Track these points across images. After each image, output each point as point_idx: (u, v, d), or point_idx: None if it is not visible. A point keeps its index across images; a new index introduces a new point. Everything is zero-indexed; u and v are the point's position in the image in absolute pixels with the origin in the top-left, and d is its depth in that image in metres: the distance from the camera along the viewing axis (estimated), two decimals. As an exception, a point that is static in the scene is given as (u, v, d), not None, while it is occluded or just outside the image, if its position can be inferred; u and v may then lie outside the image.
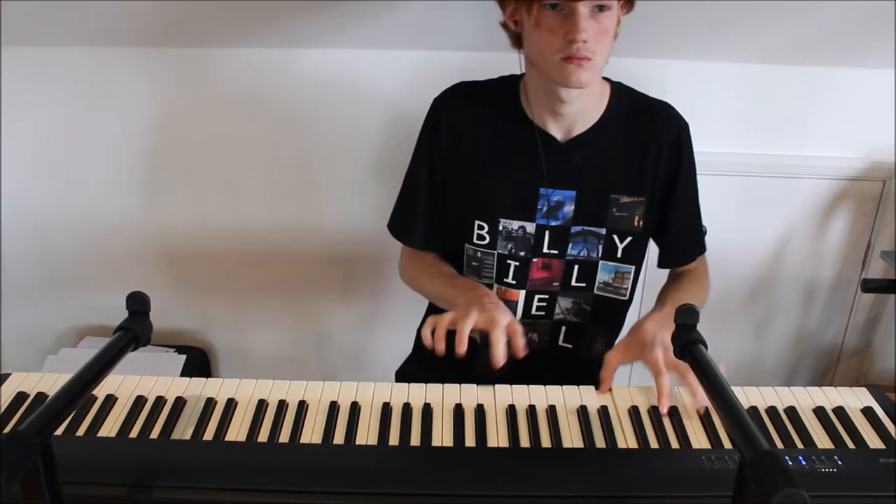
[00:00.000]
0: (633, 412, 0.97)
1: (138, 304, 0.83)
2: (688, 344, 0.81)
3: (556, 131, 1.15)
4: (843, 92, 1.62)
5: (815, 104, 1.64)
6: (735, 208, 1.73)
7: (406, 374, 1.38)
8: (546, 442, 0.91)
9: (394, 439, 0.91)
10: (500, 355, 0.99)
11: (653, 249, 1.27)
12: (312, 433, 0.92)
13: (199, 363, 1.87)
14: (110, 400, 0.97)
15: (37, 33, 1.53)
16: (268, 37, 1.54)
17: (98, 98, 1.64)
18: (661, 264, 1.28)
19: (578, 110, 1.12)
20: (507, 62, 1.17)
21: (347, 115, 1.65)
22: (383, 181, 1.61)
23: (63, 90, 1.63)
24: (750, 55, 1.57)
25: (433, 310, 1.28)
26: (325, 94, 1.62)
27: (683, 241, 1.24)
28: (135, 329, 0.81)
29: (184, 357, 1.80)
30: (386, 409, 0.96)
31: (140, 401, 0.97)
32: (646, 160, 1.16)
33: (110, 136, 1.68)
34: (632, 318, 1.27)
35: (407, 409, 0.96)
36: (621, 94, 1.17)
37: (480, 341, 1.03)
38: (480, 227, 1.19)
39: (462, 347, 0.99)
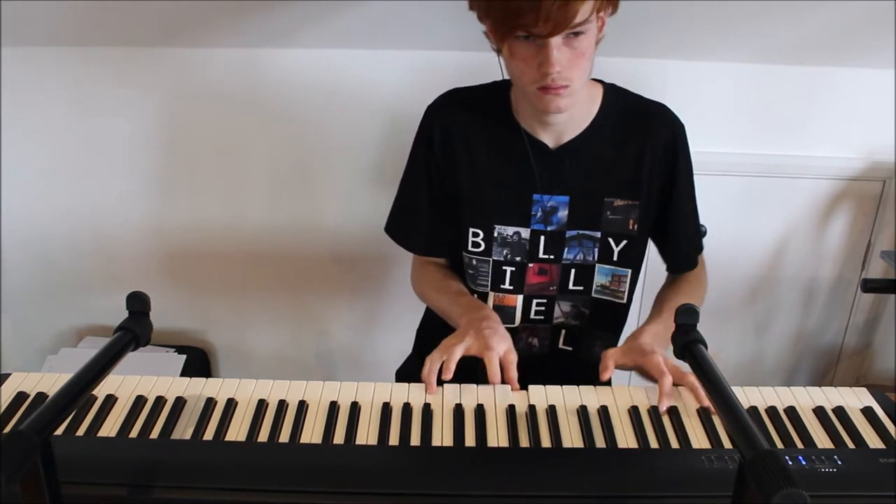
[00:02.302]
0: (633, 412, 0.97)
1: (138, 304, 0.83)
2: (688, 344, 0.81)
3: (547, 138, 1.14)
4: (843, 92, 1.62)
5: (815, 104, 1.64)
6: (735, 208, 1.73)
7: (406, 374, 1.38)
8: (546, 442, 0.91)
9: (394, 439, 0.91)
10: (494, 374, 0.98)
11: (652, 252, 1.27)
12: (312, 433, 0.92)
13: (199, 363, 1.87)
14: (110, 400, 0.97)
15: (37, 33, 1.53)
16: (267, 37, 1.54)
17: (98, 98, 1.64)
18: (669, 269, 1.28)
19: (567, 119, 1.11)
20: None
21: (347, 115, 1.65)
22: (384, 181, 1.62)
23: (62, 90, 1.63)
24: (750, 55, 1.57)
25: (433, 311, 1.28)
26: (325, 94, 1.62)
27: (684, 244, 1.24)
28: (135, 329, 0.81)
29: (184, 357, 1.81)
30: (386, 409, 0.96)
31: (140, 401, 0.97)
32: (640, 163, 1.15)
33: (110, 137, 1.68)
34: (631, 320, 1.27)
35: (407, 409, 0.96)
36: (614, 96, 1.16)
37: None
38: (475, 235, 1.19)
39: (448, 374, 0.99)
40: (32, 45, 1.56)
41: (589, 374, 1.06)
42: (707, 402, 0.96)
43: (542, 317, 1.24)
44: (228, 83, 1.62)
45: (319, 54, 1.58)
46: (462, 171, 1.17)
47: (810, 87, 1.62)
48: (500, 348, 1.03)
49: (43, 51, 1.57)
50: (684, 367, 1.00)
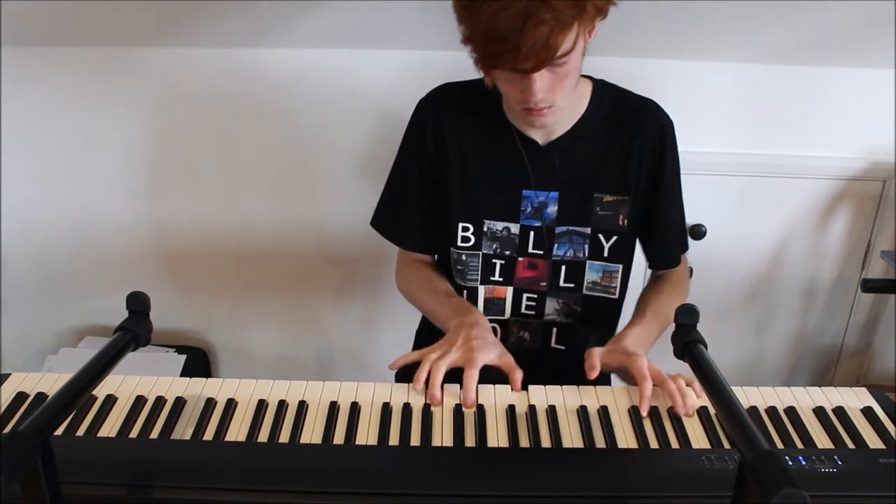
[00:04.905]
0: (633, 412, 0.97)
1: (138, 304, 0.83)
2: (688, 344, 0.81)
3: (537, 135, 1.15)
4: (843, 92, 1.62)
5: (815, 104, 1.64)
6: (735, 208, 1.73)
7: (406, 374, 1.37)
8: (546, 442, 0.91)
9: (394, 439, 0.91)
10: (468, 396, 0.97)
11: (639, 248, 1.27)
12: (312, 433, 0.92)
13: (199, 363, 1.87)
14: (110, 400, 0.97)
15: (37, 33, 1.53)
16: (262, 36, 1.54)
17: (97, 98, 1.64)
18: (651, 265, 1.28)
19: (556, 118, 1.12)
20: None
21: (345, 115, 1.65)
22: (382, 180, 1.62)
23: (62, 90, 1.63)
24: (749, 55, 1.57)
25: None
26: (322, 93, 1.62)
27: (669, 240, 1.24)
28: (135, 329, 0.81)
29: (184, 357, 1.81)
30: (386, 409, 0.96)
31: (140, 401, 0.97)
32: (628, 158, 1.15)
33: (109, 137, 1.68)
34: (625, 317, 1.27)
35: (407, 409, 0.96)
36: (603, 92, 1.16)
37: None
38: (465, 229, 1.19)
39: (433, 400, 0.97)
40: (32, 45, 1.56)
41: (582, 374, 1.05)
42: (684, 412, 0.95)
43: (532, 312, 1.25)
44: (223, 83, 1.62)
45: (313, 53, 1.58)
46: (453, 166, 1.18)
47: (810, 87, 1.62)
48: (489, 357, 1.03)
49: (43, 51, 1.57)
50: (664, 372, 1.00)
